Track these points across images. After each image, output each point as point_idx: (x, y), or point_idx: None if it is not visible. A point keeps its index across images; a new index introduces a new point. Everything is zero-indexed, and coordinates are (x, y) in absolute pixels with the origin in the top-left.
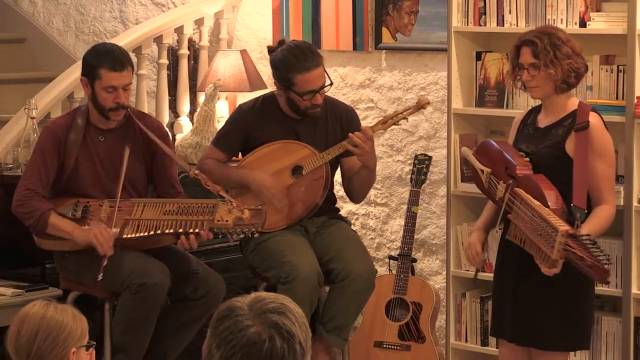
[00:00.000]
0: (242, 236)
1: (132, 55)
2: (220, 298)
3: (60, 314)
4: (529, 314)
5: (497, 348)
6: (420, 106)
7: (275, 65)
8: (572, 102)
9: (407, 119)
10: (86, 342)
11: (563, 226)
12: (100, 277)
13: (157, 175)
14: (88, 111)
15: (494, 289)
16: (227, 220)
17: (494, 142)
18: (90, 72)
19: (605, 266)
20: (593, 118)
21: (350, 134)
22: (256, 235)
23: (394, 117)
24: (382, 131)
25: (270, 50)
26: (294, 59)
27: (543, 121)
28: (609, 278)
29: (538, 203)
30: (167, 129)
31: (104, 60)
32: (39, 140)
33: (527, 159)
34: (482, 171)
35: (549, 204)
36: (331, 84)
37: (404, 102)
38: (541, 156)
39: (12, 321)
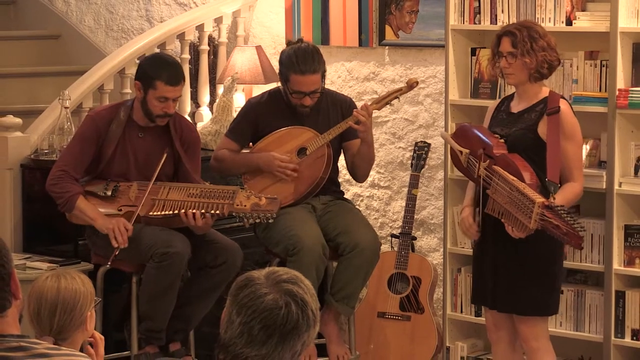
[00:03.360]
0: (257, 221)
1: (157, 51)
2: (238, 264)
3: (72, 282)
4: (507, 282)
5: None
6: (409, 86)
7: (280, 59)
8: (544, 91)
9: (399, 98)
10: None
11: (539, 198)
12: (109, 264)
13: (181, 175)
14: (132, 107)
15: (473, 260)
16: (245, 205)
17: (471, 126)
18: (146, 79)
19: (580, 233)
20: (563, 105)
21: (354, 110)
22: (271, 221)
23: (387, 96)
24: (376, 110)
25: (287, 44)
26: (294, 58)
27: (516, 107)
28: (582, 244)
29: (515, 178)
30: (198, 133)
31: (162, 73)
32: (81, 127)
33: (502, 140)
34: (461, 152)
35: (525, 179)
36: (322, 92)
37: (405, 94)
38: (515, 137)
39: (29, 299)
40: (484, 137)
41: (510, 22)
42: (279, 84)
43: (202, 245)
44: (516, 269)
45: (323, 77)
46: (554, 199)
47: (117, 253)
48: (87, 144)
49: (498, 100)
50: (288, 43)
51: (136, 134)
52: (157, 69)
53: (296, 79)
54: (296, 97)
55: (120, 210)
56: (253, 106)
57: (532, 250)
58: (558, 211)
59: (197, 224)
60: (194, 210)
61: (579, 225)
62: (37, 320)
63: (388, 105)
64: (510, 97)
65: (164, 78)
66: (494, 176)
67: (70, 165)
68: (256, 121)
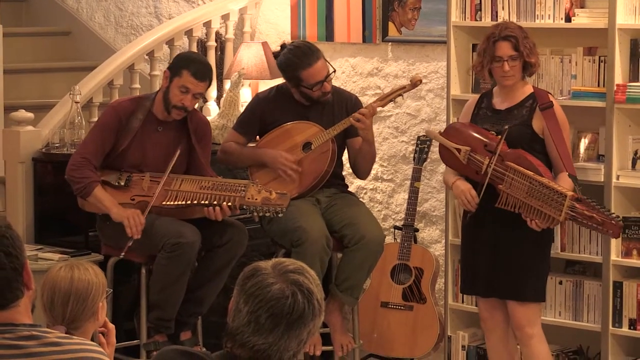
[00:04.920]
0: (267, 214)
1: (165, 47)
2: (243, 242)
3: (85, 273)
4: (508, 270)
5: None
6: (413, 84)
7: (282, 68)
8: (528, 87)
9: (402, 96)
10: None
11: (569, 192)
12: (122, 255)
13: (195, 167)
14: (153, 101)
15: (463, 252)
16: (256, 199)
17: (462, 124)
18: (175, 69)
19: (620, 222)
20: (553, 99)
21: (358, 109)
22: (280, 215)
23: (391, 94)
24: (380, 107)
25: (275, 55)
26: (296, 59)
27: (501, 104)
28: (621, 232)
29: (533, 173)
30: (210, 125)
31: (191, 65)
32: (102, 116)
33: (499, 137)
34: (459, 150)
35: (543, 174)
36: (334, 70)
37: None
38: (511, 133)
39: (42, 288)
40: (481, 135)
41: (510, 19)
42: (281, 80)
43: (209, 229)
44: (517, 256)
45: (325, 60)
46: (579, 191)
47: (130, 244)
48: (108, 133)
49: (476, 97)
50: (275, 55)
51: (154, 127)
52: (188, 61)
53: (308, 73)
54: (317, 89)
55: (133, 199)
56: (260, 101)
57: (530, 238)
58: (590, 203)
59: (217, 218)
60: (215, 202)
61: (615, 214)
62: (50, 309)
63: (392, 103)
64: (487, 95)
65: (191, 69)
66: (507, 171)
67: (91, 154)
68: (263, 115)
